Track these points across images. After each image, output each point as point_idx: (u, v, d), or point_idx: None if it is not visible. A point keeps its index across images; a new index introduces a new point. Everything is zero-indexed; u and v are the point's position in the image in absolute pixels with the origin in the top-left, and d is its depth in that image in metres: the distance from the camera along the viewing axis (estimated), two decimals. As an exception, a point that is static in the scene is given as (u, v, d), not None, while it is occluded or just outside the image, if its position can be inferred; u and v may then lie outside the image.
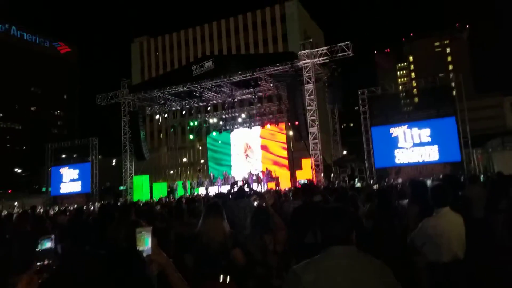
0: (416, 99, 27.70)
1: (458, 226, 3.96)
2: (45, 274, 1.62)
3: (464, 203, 5.57)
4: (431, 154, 20.73)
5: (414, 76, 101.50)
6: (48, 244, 1.69)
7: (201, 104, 27.03)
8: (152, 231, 1.99)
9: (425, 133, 20.90)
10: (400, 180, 17.67)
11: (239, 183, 20.33)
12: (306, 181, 17.45)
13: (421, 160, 20.93)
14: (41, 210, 16.51)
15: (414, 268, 4.29)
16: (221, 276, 3.28)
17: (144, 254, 1.89)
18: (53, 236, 1.72)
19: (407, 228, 4.75)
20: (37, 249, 1.67)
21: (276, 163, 27.88)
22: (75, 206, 18.33)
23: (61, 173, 31.10)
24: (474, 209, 6.65)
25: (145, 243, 1.93)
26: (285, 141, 27.92)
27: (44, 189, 35.72)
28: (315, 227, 2.34)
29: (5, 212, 15.83)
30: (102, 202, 22.01)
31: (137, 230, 1.97)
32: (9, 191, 52.68)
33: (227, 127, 29.12)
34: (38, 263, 1.63)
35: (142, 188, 27.51)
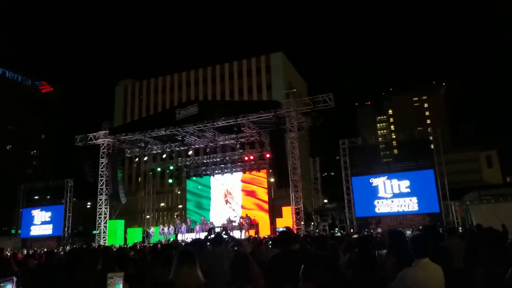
0: (395, 151, 28.34)
1: (437, 276, 3.88)
2: None
3: (444, 254, 5.51)
4: (411, 205, 20.94)
5: (393, 128, 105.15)
6: (8, 287, 1.65)
7: (182, 148, 26.93)
8: (124, 277, 1.96)
9: (404, 184, 21.23)
10: (379, 230, 17.59)
11: (217, 229, 19.82)
12: (284, 229, 17.14)
13: (400, 210, 21.08)
14: (8, 253, 15.59)
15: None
16: None
17: None
18: (14, 279, 1.67)
19: (385, 278, 4.64)
20: None
21: (256, 209, 27.49)
22: (44, 249, 17.38)
23: (32, 214, 30.12)
24: (453, 261, 6.61)
25: None
26: (266, 188, 27.76)
27: (13, 231, 34.20)
28: (294, 276, 2.37)
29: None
30: (74, 246, 20.99)
31: (108, 276, 1.98)
32: (-23, 232, 50.17)
33: (208, 172, 28.89)
34: None
35: (117, 233, 26.57)
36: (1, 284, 1.65)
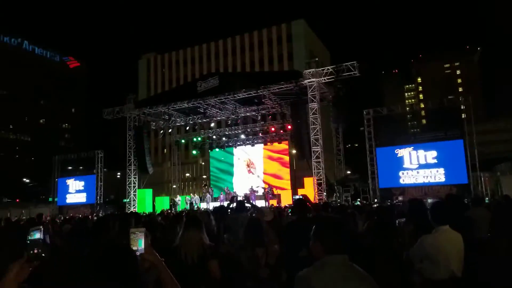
0: (423, 121, 27.57)
1: (457, 244, 3.88)
2: (35, 262, 1.72)
3: (466, 223, 5.45)
4: (437, 176, 20.51)
5: (422, 98, 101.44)
6: (37, 235, 1.81)
7: (204, 120, 27.17)
8: (145, 233, 2.05)
9: (431, 155, 20.72)
10: (400, 198, 17.46)
11: (239, 198, 20.21)
12: (300, 197, 17.32)
13: (426, 181, 20.69)
14: (48, 219, 16.58)
15: (410, 285, 4.17)
16: None
17: (138, 253, 1.94)
18: (41, 227, 1.83)
19: (403, 245, 4.65)
20: (27, 240, 1.75)
21: (279, 180, 27.73)
22: (80, 216, 18.33)
23: (67, 184, 31.69)
24: (477, 230, 6.52)
25: (139, 243, 2.00)
26: (288, 160, 27.82)
27: (50, 199, 36.25)
28: (308, 241, 2.44)
29: (13, 219, 15.90)
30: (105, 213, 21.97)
31: (130, 231, 2.03)
32: (17, 200, 53.53)
33: (230, 144, 29.15)
34: (29, 252, 1.73)
35: (145, 201, 27.59)
36: (31, 233, 1.83)
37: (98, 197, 29.46)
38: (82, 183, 30.85)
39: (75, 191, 31.16)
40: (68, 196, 31.60)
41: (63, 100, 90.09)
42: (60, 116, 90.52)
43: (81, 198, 30.75)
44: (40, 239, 1.78)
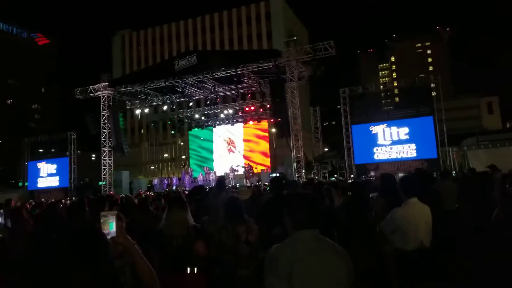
0: (396, 99, 28.19)
1: (425, 216, 4.13)
2: None
3: (433, 196, 5.78)
4: (409, 151, 21.24)
5: (395, 76, 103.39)
6: None
7: (183, 99, 26.85)
8: (117, 215, 2.04)
9: (403, 131, 21.38)
10: (372, 173, 18.09)
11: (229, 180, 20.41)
12: (278, 174, 17.72)
13: (399, 157, 21.42)
14: (18, 204, 16.18)
15: (382, 256, 4.46)
16: (188, 269, 3.33)
17: (109, 237, 1.91)
18: (2, 211, 1.79)
19: (375, 219, 4.92)
20: None
21: (258, 158, 28.01)
22: (52, 200, 17.99)
23: (38, 167, 30.52)
24: (445, 203, 6.92)
25: (110, 226, 1.96)
26: (268, 138, 28.06)
27: (20, 183, 34.99)
28: (283, 216, 2.41)
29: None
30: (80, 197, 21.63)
31: (101, 214, 2.01)
32: (-16, 186, 51.37)
33: (210, 123, 29.05)
34: None
35: (122, 183, 27.25)
36: None
37: (71, 181, 28.62)
38: (55, 166, 29.74)
39: (47, 175, 30.02)
40: (39, 180, 30.39)
41: (32, 79, 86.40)
42: (29, 96, 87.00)
43: (54, 181, 29.67)
44: (1, 224, 1.75)
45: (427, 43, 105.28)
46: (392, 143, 21.56)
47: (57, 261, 1.46)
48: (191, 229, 3.54)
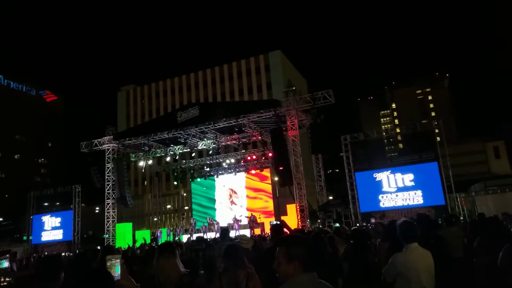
0: (400, 145, 28.31)
1: (426, 261, 4.03)
2: None
3: (437, 242, 5.63)
4: (415, 198, 20.92)
5: (397, 122, 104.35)
6: (5, 264, 1.84)
7: (185, 150, 27.14)
8: (121, 259, 2.11)
9: (408, 178, 21.20)
10: (372, 220, 17.73)
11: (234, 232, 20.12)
12: (277, 222, 17.40)
13: (405, 204, 21.05)
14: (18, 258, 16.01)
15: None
16: None
17: (114, 279, 1.96)
18: (8, 256, 1.87)
19: (379, 264, 4.78)
20: None
21: (261, 208, 27.66)
22: (54, 253, 17.73)
23: (42, 221, 30.62)
24: (451, 249, 6.71)
25: (116, 270, 2.05)
26: (270, 187, 27.91)
27: (25, 237, 34.76)
28: None
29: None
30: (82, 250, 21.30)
31: (107, 258, 2.10)
32: (-10, 239, 50.96)
33: (212, 173, 29.09)
34: None
35: (125, 236, 26.87)
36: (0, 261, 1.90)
37: (75, 233, 28.50)
38: (59, 219, 29.81)
39: (51, 228, 30.04)
40: (43, 233, 30.42)
41: (39, 134, 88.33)
42: (36, 150, 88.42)
43: (58, 235, 29.65)
44: (7, 268, 1.83)
45: (428, 89, 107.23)
46: (397, 190, 21.30)
47: None
48: (184, 275, 3.55)
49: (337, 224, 15.47)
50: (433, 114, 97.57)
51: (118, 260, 2.10)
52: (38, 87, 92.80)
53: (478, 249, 7.33)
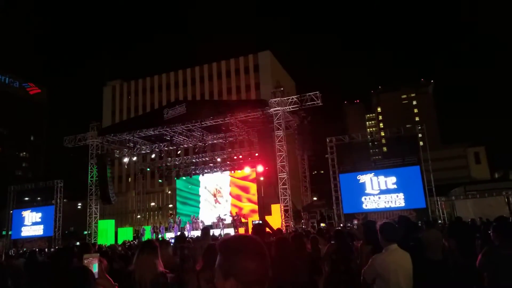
0: (384, 148, 28.72)
1: (405, 263, 4.11)
2: None
3: (416, 244, 5.75)
4: (397, 201, 21.26)
5: (382, 126, 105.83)
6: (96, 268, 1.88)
7: (171, 147, 26.97)
8: (99, 258, 2.11)
9: (391, 181, 21.53)
10: (355, 222, 17.97)
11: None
12: (259, 222, 17.53)
13: (387, 206, 21.37)
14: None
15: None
16: None
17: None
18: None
19: (361, 265, 4.87)
20: None
21: (246, 207, 27.70)
22: (35, 249, 17.45)
23: (23, 216, 30.02)
24: (431, 252, 6.87)
25: (93, 268, 2.05)
26: (256, 187, 27.96)
27: (4, 232, 34.05)
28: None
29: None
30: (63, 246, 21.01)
31: (84, 256, 2.10)
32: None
33: (197, 172, 28.99)
34: None
35: (107, 232, 26.54)
36: None
37: (56, 229, 28.03)
38: (40, 214, 29.26)
39: (32, 223, 29.47)
40: (23, 229, 29.82)
41: (22, 127, 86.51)
42: (17, 144, 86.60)
43: (38, 230, 29.10)
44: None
45: (412, 95, 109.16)
46: (380, 192, 21.62)
47: None
48: (160, 275, 3.51)
49: (323, 224, 15.62)
50: (417, 119, 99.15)
51: (96, 259, 2.10)
52: (21, 80, 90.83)
53: (454, 251, 7.54)
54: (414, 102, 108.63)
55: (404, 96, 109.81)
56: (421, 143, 22.67)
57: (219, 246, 1.60)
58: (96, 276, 2.04)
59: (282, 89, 24.63)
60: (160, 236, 24.06)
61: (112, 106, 63.26)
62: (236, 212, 25.84)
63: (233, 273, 1.48)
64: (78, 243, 11.70)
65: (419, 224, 10.83)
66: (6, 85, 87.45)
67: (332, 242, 6.08)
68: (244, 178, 28.31)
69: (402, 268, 4.02)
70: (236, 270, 1.48)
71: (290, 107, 22.04)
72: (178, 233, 23.09)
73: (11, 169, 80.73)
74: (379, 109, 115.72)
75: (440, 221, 17.46)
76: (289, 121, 23.77)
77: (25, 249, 21.63)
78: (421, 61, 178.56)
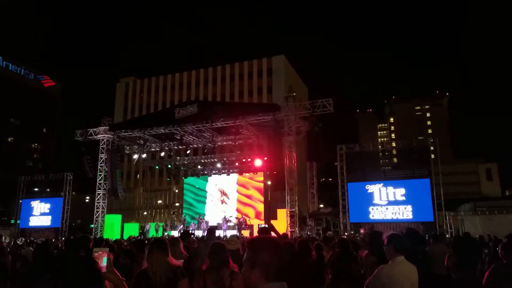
0: (394, 159, 28.51)
1: (411, 276, 4.06)
2: None
3: (423, 257, 5.69)
4: (405, 213, 21.05)
5: (394, 137, 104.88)
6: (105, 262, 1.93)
7: (181, 147, 27.11)
8: (108, 252, 2.16)
9: (400, 192, 21.33)
10: (361, 231, 17.82)
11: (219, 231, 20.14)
12: (266, 225, 17.48)
13: (394, 218, 21.18)
14: (6, 241, 15.96)
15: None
16: None
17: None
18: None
19: (365, 275, 4.82)
20: None
21: (252, 210, 27.68)
22: (43, 239, 17.68)
23: (32, 206, 30.50)
24: (436, 266, 6.77)
25: (103, 261, 2.08)
26: (262, 190, 27.93)
27: (12, 221, 34.58)
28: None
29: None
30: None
31: (94, 250, 2.13)
32: (-24, 221, 50.64)
33: (205, 172, 29.07)
34: None
35: (113, 227, 26.77)
36: None
37: (64, 221, 28.40)
38: (48, 205, 29.71)
39: (40, 214, 29.94)
40: (31, 218, 30.30)
41: (35, 119, 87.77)
42: (30, 135, 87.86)
43: (46, 221, 29.55)
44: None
45: (426, 107, 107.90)
46: (388, 203, 21.43)
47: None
48: (175, 268, 3.60)
49: (330, 232, 15.50)
50: (429, 131, 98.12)
51: (106, 252, 2.14)
52: (36, 72, 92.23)
53: (457, 265, 7.40)
54: (428, 114, 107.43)
55: (417, 108, 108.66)
56: (432, 156, 22.42)
57: (248, 243, 2.09)
58: (105, 270, 2.07)
59: (294, 94, 24.64)
60: (165, 234, 24.15)
61: (124, 102, 63.86)
62: (241, 215, 25.81)
63: (258, 264, 1.90)
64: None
65: (427, 238, 10.69)
66: (22, 76, 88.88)
67: (336, 250, 6.03)
68: (251, 182, 28.29)
69: (408, 281, 3.97)
70: (260, 262, 1.90)
71: (301, 112, 21.99)
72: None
73: (22, 160, 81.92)
74: (391, 120, 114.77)
75: (448, 236, 17.21)
76: (299, 127, 23.71)
77: (32, 238, 21.91)
78: (438, 72, 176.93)
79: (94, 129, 26.48)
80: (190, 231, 23.42)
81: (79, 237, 5.53)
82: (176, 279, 3.51)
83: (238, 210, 27.95)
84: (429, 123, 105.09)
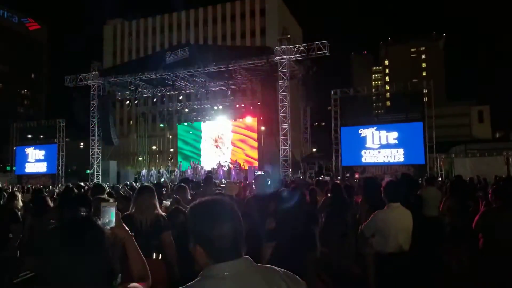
0: (388, 103, 28.48)
1: (406, 220, 4.17)
2: None
3: (416, 201, 5.82)
4: (397, 156, 21.39)
5: (388, 80, 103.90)
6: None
7: (173, 92, 26.66)
8: (116, 205, 2.07)
9: (392, 136, 21.52)
10: (356, 176, 18.26)
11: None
12: (262, 173, 17.79)
13: (386, 161, 21.57)
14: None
15: (362, 258, 4.48)
16: (154, 254, 3.44)
17: (108, 227, 1.93)
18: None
19: (359, 221, 4.95)
20: None
21: (246, 155, 27.99)
22: (41, 186, 17.88)
23: (26, 152, 30.50)
24: (428, 208, 6.97)
25: (111, 216, 1.99)
26: (256, 135, 28.02)
27: (8, 168, 34.77)
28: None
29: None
30: (68, 184, 21.50)
31: (102, 204, 2.04)
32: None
33: (199, 118, 28.92)
34: None
35: (109, 173, 27.10)
36: None
37: (59, 167, 28.61)
38: (43, 152, 29.76)
39: (35, 160, 30.08)
40: (27, 165, 30.47)
41: (22, 64, 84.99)
42: (18, 81, 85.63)
43: (42, 167, 29.77)
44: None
45: (422, 48, 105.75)
46: (380, 147, 21.69)
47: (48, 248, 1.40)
48: (160, 217, 3.64)
49: (324, 176, 15.80)
50: (424, 74, 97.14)
51: (114, 207, 2.05)
52: (20, 14, 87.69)
53: (453, 209, 7.64)
54: (423, 56, 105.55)
55: (413, 49, 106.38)
56: (426, 98, 22.34)
57: (189, 211, 1.50)
58: (113, 225, 1.99)
59: (288, 36, 23.79)
60: (162, 179, 24.52)
61: (113, 46, 61.63)
62: (236, 160, 26.13)
63: (199, 241, 1.40)
64: (82, 183, 11.90)
65: (420, 181, 10.94)
66: (5, 19, 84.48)
67: (328, 195, 6.13)
68: (246, 127, 28.28)
69: (402, 225, 4.09)
70: (202, 238, 1.39)
71: (296, 56, 21.43)
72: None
73: (13, 106, 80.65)
74: (386, 62, 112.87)
75: (439, 179, 17.66)
76: (294, 71, 23.24)
77: (29, 185, 22.17)
78: (435, 12, 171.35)
79: (84, 75, 25.79)
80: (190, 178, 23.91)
81: (81, 194, 5.52)
82: (160, 229, 3.53)
83: (232, 155, 28.22)
84: (424, 65, 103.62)
